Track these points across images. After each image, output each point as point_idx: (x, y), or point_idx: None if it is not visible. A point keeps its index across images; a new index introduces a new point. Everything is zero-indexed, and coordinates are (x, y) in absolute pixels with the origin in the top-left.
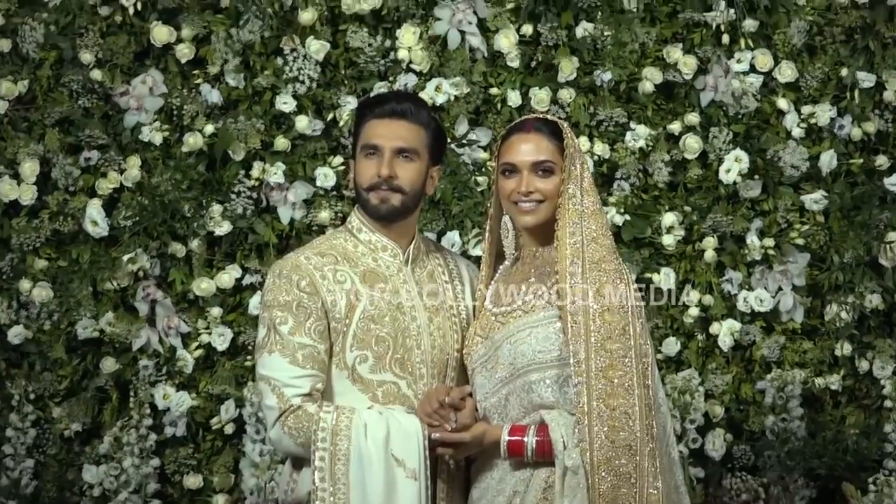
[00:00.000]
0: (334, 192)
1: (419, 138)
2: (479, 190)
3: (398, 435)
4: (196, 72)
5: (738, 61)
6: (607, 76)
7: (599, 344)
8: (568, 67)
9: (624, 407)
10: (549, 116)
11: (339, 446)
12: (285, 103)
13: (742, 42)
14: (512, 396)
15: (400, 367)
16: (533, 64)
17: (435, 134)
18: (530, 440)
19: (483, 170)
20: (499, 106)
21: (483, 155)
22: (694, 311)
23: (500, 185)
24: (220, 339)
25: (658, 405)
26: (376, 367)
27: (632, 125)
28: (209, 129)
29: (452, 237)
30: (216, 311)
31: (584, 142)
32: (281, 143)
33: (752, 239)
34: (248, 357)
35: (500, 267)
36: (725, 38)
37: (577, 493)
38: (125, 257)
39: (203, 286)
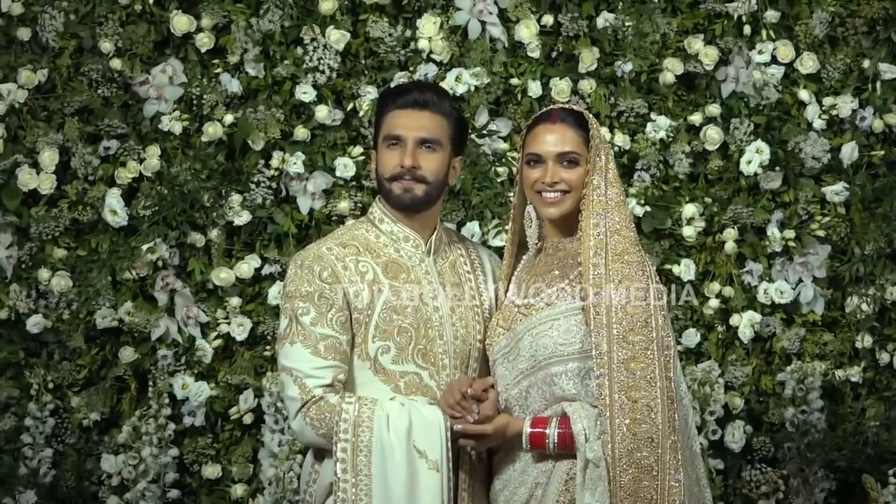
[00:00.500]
0: (354, 183)
1: (442, 129)
2: (499, 180)
3: (420, 426)
4: (216, 61)
5: (760, 52)
6: (628, 67)
7: (621, 336)
8: (588, 58)
9: (646, 399)
10: (574, 107)
11: (361, 437)
12: (305, 93)
13: (763, 33)
14: (533, 389)
15: (422, 357)
16: (553, 54)
17: (457, 124)
18: (552, 432)
19: (503, 160)
20: (519, 96)
21: (503, 145)
22: (714, 303)
23: (525, 175)
24: (240, 328)
25: (680, 397)
26: (398, 358)
27: (652, 116)
28: (229, 118)
29: (472, 227)
30: (235, 301)
31: (604, 133)
32: (300, 132)
33: (772, 230)
34: (267, 347)
35: (523, 257)
36: (747, 29)
37: (598, 485)
38: (144, 247)
39: (222, 276)
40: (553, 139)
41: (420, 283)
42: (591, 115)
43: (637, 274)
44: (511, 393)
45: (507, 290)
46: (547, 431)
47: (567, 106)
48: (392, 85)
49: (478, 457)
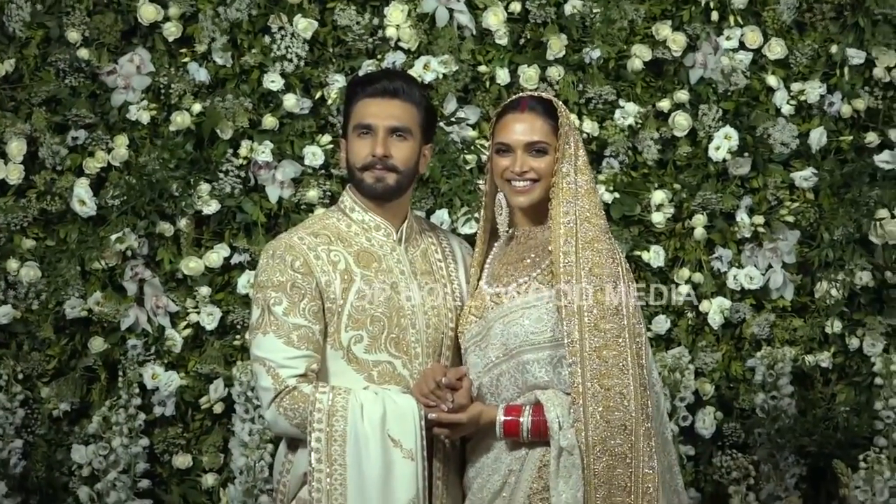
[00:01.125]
0: (322, 171)
1: (412, 117)
2: (467, 168)
3: (394, 415)
4: (183, 50)
5: (728, 38)
6: (596, 54)
7: (593, 324)
8: (557, 45)
9: (619, 387)
10: (543, 94)
11: (335, 427)
12: (273, 82)
13: (731, 19)
14: (504, 377)
15: (395, 346)
16: (521, 41)
17: (427, 112)
18: (526, 420)
19: (472, 148)
20: (487, 84)
21: (472, 133)
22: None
23: (494, 164)
24: (209, 318)
25: (652, 384)
26: (371, 347)
27: (621, 103)
28: (197, 107)
29: (441, 215)
30: (205, 291)
31: (573, 119)
32: (269, 121)
33: (741, 216)
34: (237, 336)
35: (495, 245)
36: (715, 15)
37: (572, 473)
38: (113, 237)
39: (191, 265)
40: (521, 128)
41: (392, 272)
42: (560, 103)
43: (607, 262)
44: (483, 381)
45: (479, 278)
46: (521, 420)
47: (536, 94)
48: (360, 73)
49: (451, 444)
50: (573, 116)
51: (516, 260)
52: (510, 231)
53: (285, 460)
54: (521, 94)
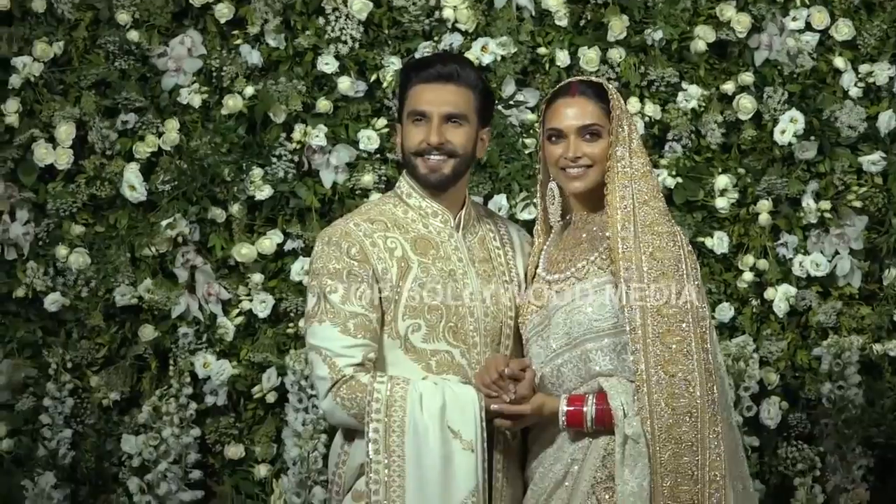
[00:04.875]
0: (378, 155)
1: (468, 102)
2: (526, 152)
3: (454, 406)
4: (235, 32)
5: (794, 19)
6: (658, 35)
7: (655, 309)
8: (618, 26)
9: (683, 373)
10: (593, 78)
11: (393, 417)
12: (327, 64)
13: None
14: (566, 367)
15: (453, 335)
16: (582, 23)
17: (483, 95)
18: (590, 409)
19: (531, 131)
20: (547, 66)
21: (531, 116)
22: (748, 276)
23: (547, 152)
24: (262, 305)
25: (717, 368)
26: (429, 337)
27: (684, 85)
28: (249, 90)
29: (499, 201)
30: (257, 278)
31: (634, 103)
32: (323, 104)
33: (807, 202)
34: (290, 324)
35: (553, 232)
36: None
37: (638, 461)
38: (164, 222)
39: (244, 252)
40: (573, 112)
41: (449, 259)
42: (610, 86)
43: (668, 245)
44: (544, 371)
45: (537, 266)
46: (584, 409)
47: (586, 78)
48: (416, 56)
49: (512, 434)
50: (630, 100)
51: (574, 245)
52: (565, 219)
53: (341, 451)
54: (570, 79)
